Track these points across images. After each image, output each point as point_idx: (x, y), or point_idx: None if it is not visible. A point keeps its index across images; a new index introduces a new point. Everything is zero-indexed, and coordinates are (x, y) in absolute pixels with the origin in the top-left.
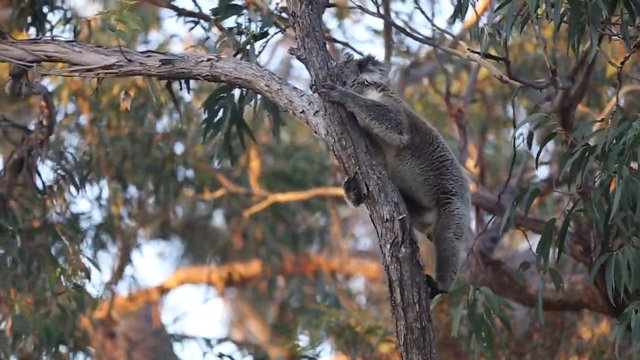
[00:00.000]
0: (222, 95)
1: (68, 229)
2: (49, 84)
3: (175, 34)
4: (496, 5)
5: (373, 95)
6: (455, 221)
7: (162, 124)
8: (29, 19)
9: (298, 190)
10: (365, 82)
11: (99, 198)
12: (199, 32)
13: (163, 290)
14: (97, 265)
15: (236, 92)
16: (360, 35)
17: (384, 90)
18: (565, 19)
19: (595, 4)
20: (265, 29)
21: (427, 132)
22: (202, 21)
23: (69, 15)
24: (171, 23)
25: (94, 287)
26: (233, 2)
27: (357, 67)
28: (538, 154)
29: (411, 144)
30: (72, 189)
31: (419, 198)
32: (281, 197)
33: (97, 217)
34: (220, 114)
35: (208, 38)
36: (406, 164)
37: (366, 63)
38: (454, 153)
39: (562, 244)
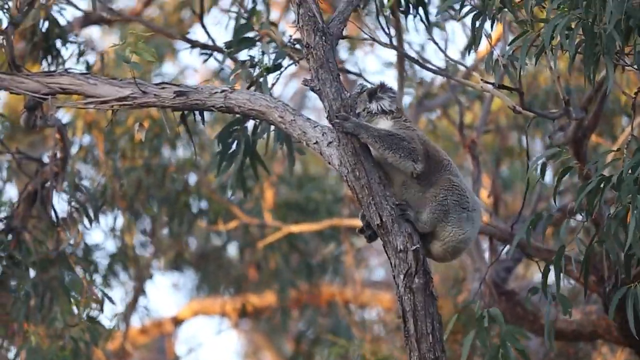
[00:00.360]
0: (235, 127)
1: (82, 261)
2: (63, 115)
3: (189, 66)
4: (510, 37)
5: (385, 123)
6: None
7: (177, 155)
8: (42, 53)
9: (312, 221)
10: (375, 111)
11: (112, 229)
12: (213, 63)
13: (177, 322)
14: (109, 298)
15: (249, 124)
16: (374, 66)
17: (396, 118)
18: (579, 49)
19: (609, 35)
20: (278, 61)
21: (439, 160)
22: (215, 53)
23: (82, 48)
24: (187, 54)
25: (107, 318)
26: (246, 35)
27: (367, 96)
28: (555, 191)
29: (422, 172)
30: (86, 221)
31: None
32: (295, 228)
33: (112, 248)
34: (234, 146)
35: (222, 70)
36: (413, 190)
37: (375, 92)
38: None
39: (586, 276)
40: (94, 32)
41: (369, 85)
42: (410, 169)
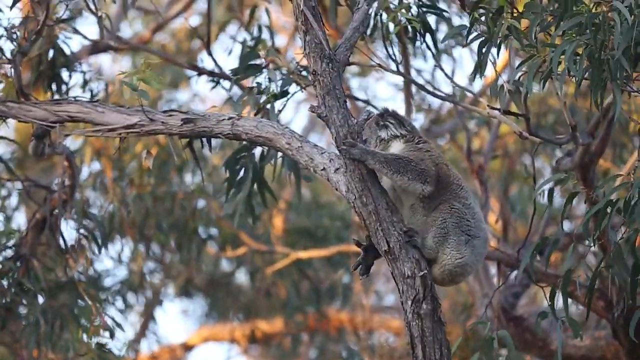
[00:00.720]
0: (243, 154)
1: (91, 288)
2: (72, 142)
3: (200, 93)
4: (517, 62)
5: (397, 147)
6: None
7: (184, 182)
8: (48, 82)
9: (321, 247)
10: (386, 138)
11: (119, 256)
12: (223, 91)
13: (187, 348)
14: (119, 325)
15: (257, 151)
16: (385, 92)
17: (409, 141)
18: (586, 75)
19: (617, 61)
20: (285, 88)
21: (448, 183)
22: (223, 80)
23: (87, 77)
24: (199, 81)
25: (117, 346)
26: (253, 62)
27: (375, 125)
28: (562, 216)
29: (431, 194)
30: (95, 248)
31: None
32: (303, 255)
33: (121, 274)
34: (242, 173)
35: (230, 98)
36: (420, 213)
37: (378, 120)
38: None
39: (590, 300)
40: (103, 59)
41: (375, 112)
42: (419, 191)
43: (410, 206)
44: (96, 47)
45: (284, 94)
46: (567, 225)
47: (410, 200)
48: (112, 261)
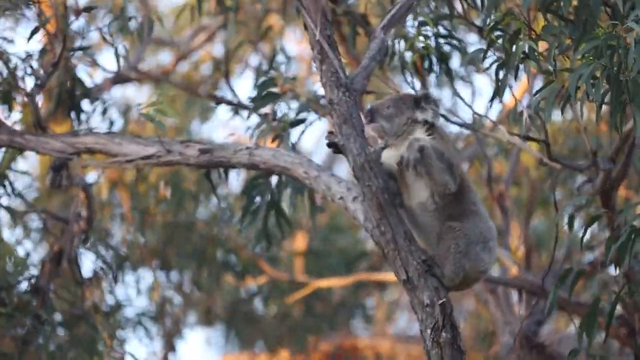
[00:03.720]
0: (260, 181)
1: (110, 318)
2: (89, 173)
3: (223, 122)
4: (535, 86)
5: (420, 133)
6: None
7: (204, 210)
8: (68, 111)
9: (341, 274)
10: (419, 120)
11: (138, 286)
12: (244, 119)
13: None
14: (135, 358)
15: (274, 177)
16: None
17: (434, 133)
18: (605, 99)
19: (635, 82)
20: (301, 115)
21: (466, 186)
22: (240, 110)
23: (106, 107)
24: (223, 110)
25: None
26: (270, 90)
27: (413, 103)
28: (583, 236)
29: (454, 194)
30: (112, 278)
31: (430, 245)
32: (324, 283)
33: (141, 304)
34: (258, 198)
35: (248, 129)
36: (426, 215)
37: (419, 101)
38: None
39: (609, 326)
40: (127, 90)
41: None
42: (448, 184)
43: (419, 204)
44: (119, 78)
45: (300, 121)
46: (590, 254)
47: (422, 197)
48: (132, 290)
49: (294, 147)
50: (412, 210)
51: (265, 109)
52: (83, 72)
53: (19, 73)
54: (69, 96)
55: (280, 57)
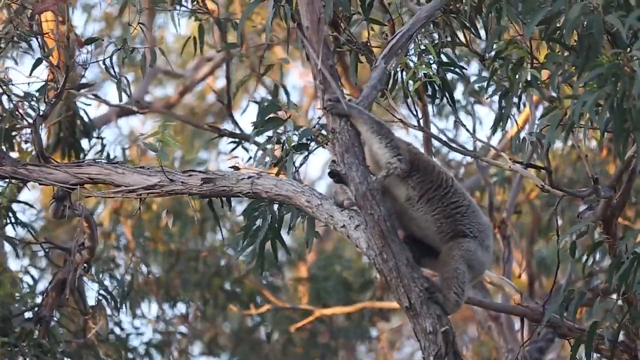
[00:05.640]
0: (261, 204)
1: (115, 347)
2: (92, 204)
3: (226, 152)
4: (538, 114)
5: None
6: (462, 250)
7: (210, 235)
8: (68, 149)
9: (344, 302)
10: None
11: (142, 316)
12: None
13: None
14: None
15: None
16: None
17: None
18: (608, 126)
19: (639, 110)
20: (304, 139)
21: (432, 171)
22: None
23: (105, 143)
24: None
25: None
26: (273, 116)
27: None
28: (585, 263)
29: (415, 183)
30: (116, 308)
31: (436, 245)
32: (327, 311)
33: (146, 334)
34: (259, 222)
35: (250, 159)
36: (418, 211)
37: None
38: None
39: (612, 353)
40: (132, 120)
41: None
42: (392, 162)
43: (405, 200)
44: (124, 110)
45: (302, 145)
46: (592, 281)
47: (401, 191)
48: (137, 320)
49: (294, 176)
50: (407, 213)
51: (268, 133)
52: (85, 107)
53: (22, 106)
54: (70, 133)
55: (282, 89)
